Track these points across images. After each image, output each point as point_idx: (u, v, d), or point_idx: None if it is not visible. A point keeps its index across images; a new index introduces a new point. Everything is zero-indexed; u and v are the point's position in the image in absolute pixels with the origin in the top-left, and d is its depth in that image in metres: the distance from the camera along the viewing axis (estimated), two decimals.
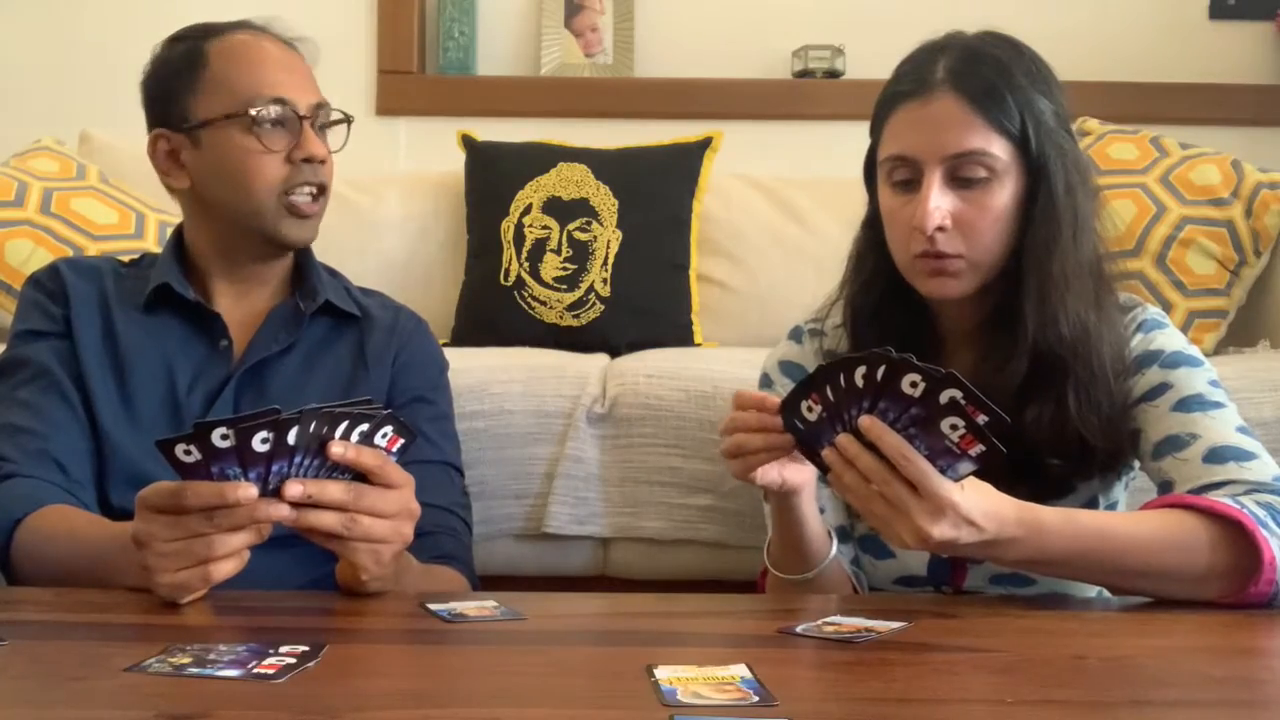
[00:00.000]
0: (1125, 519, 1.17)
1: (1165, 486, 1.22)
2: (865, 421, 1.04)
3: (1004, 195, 1.24)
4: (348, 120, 1.46)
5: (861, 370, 1.04)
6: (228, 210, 1.40)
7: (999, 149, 1.23)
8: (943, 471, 1.03)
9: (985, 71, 1.24)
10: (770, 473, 1.18)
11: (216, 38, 1.41)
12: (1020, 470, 1.21)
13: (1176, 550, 1.11)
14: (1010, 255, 1.26)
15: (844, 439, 1.06)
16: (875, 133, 1.31)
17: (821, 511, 1.30)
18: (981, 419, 1.00)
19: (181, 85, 1.39)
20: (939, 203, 1.22)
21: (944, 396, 1.00)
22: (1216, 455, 1.19)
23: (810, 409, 1.09)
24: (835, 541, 1.28)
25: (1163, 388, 1.25)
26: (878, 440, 1.03)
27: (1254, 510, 1.11)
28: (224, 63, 1.39)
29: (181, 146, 1.40)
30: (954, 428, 1.01)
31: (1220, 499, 1.13)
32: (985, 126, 1.22)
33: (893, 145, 1.27)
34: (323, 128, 1.42)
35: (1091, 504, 1.30)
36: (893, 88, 1.29)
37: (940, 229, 1.23)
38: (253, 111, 1.36)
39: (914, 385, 1.01)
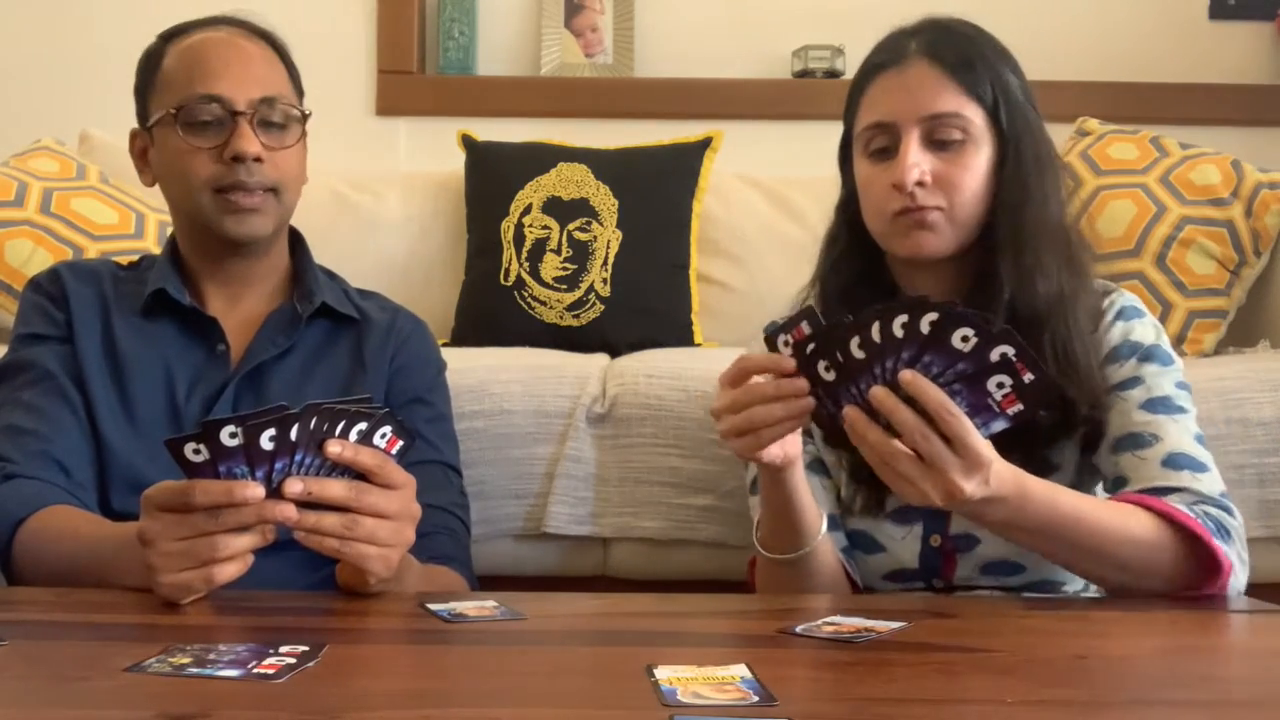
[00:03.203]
0: (1102, 506, 1.19)
1: (1119, 481, 1.26)
2: (907, 375, 1.02)
3: (979, 157, 1.28)
4: (303, 117, 1.41)
5: (902, 320, 1.00)
6: (178, 207, 1.42)
7: (973, 113, 1.27)
8: (978, 429, 1.02)
9: (957, 41, 1.30)
10: (773, 449, 1.16)
11: (181, 36, 1.41)
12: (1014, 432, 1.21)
13: (1140, 547, 1.16)
14: (984, 227, 1.29)
15: (879, 392, 1.03)
16: (851, 111, 1.35)
17: None
18: (1029, 377, 0.99)
19: (146, 84, 1.42)
20: (917, 159, 1.26)
21: (995, 353, 0.99)
22: (1174, 462, 1.23)
23: (829, 368, 1.05)
24: (825, 518, 1.28)
25: (1135, 381, 1.29)
26: (920, 394, 1.01)
27: (1207, 524, 1.17)
28: (173, 61, 1.39)
29: (148, 145, 1.43)
30: (1000, 386, 0.99)
31: (1181, 508, 1.17)
32: (959, 90, 1.27)
33: (870, 114, 1.30)
34: (270, 125, 1.37)
35: None
36: (867, 63, 1.33)
37: (920, 184, 1.25)
38: (180, 109, 1.36)
39: (965, 340, 0.99)
